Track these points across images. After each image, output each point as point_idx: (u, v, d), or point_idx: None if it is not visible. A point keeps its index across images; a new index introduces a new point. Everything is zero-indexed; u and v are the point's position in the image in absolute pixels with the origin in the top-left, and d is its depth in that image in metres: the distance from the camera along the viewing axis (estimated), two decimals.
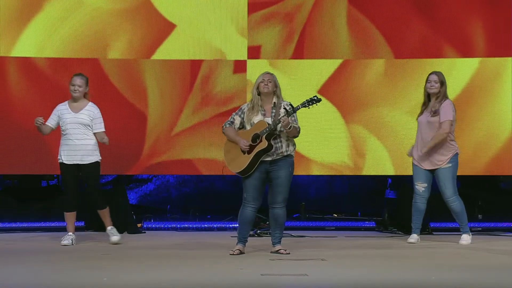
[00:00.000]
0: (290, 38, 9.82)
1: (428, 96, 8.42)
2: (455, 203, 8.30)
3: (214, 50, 9.78)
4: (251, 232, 8.46)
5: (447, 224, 9.46)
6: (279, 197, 7.40)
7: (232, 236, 8.64)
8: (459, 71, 9.75)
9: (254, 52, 9.80)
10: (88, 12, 9.71)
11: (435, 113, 8.30)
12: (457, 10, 9.80)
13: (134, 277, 6.14)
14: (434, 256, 7.52)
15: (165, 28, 9.76)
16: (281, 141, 7.36)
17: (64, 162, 8.16)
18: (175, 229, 9.83)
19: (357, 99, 9.79)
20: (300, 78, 9.76)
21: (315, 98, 7.34)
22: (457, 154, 8.35)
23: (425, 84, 8.42)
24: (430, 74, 8.44)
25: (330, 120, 9.76)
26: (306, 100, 7.35)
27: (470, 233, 8.41)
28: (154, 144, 9.74)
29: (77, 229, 8.40)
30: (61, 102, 8.30)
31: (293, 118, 7.34)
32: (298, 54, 9.81)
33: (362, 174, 9.87)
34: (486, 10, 9.78)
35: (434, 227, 9.56)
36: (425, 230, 9.26)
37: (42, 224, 9.59)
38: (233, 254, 7.33)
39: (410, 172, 8.53)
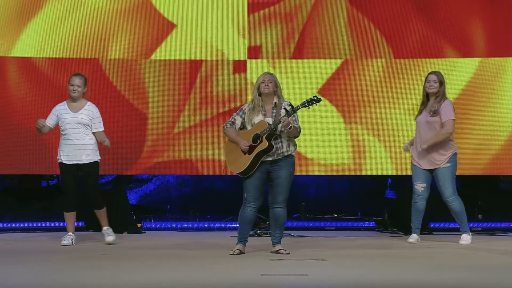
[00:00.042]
0: (290, 38, 9.82)
1: (427, 96, 8.42)
2: (455, 203, 8.30)
3: (214, 50, 9.78)
4: (251, 232, 8.46)
5: (447, 224, 9.46)
6: (280, 197, 7.40)
7: (232, 236, 8.64)
8: (459, 71, 9.75)
9: (254, 52, 9.80)
10: (88, 12, 9.70)
11: (435, 113, 8.30)
12: (457, 10, 9.80)
13: (134, 277, 6.14)
14: (434, 256, 7.52)
15: (165, 28, 9.76)
16: (281, 141, 7.36)
17: (64, 162, 8.16)
18: (175, 229, 9.83)
19: (357, 99, 9.79)
20: (300, 78, 9.76)
21: (315, 98, 7.34)
22: (456, 153, 8.36)
23: (424, 84, 8.43)
24: (429, 74, 8.44)
25: (330, 120, 9.76)
26: (306, 100, 7.35)
27: (470, 233, 8.41)
28: (154, 144, 9.74)
29: (77, 229, 8.41)
30: (60, 102, 8.30)
31: (293, 118, 7.35)
32: (298, 54, 9.81)
33: (362, 174, 9.87)
34: (486, 10, 9.78)
35: (434, 227, 9.56)
36: (425, 230, 9.26)
37: (42, 224, 9.59)
38: (233, 254, 7.33)
39: (410, 172, 8.53)
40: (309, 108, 7.36)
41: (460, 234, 8.38)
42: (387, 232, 9.65)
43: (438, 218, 9.49)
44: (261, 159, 7.33)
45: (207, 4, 9.80)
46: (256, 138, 7.33)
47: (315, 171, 9.84)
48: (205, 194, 11.05)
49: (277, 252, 7.44)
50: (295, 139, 7.47)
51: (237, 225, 7.65)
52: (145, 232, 9.59)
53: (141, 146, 9.73)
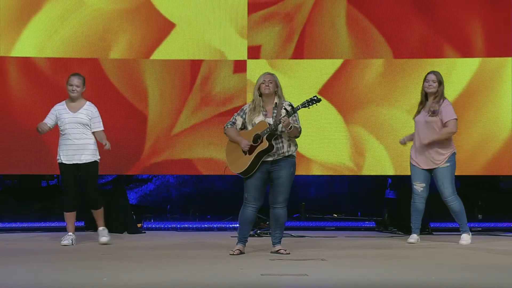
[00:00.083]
0: (290, 38, 9.82)
1: (425, 96, 8.43)
2: (454, 202, 8.31)
3: (214, 50, 9.78)
4: (251, 232, 8.46)
5: (447, 224, 9.45)
6: (280, 197, 7.40)
7: (232, 236, 8.64)
8: (459, 71, 9.75)
9: (254, 52, 9.80)
10: (88, 12, 9.70)
11: (434, 113, 8.30)
12: (457, 10, 9.80)
13: (134, 277, 6.14)
14: (434, 256, 7.52)
15: (165, 27, 9.76)
16: (282, 142, 7.37)
17: (64, 162, 8.16)
18: (175, 229, 9.83)
19: (357, 99, 9.79)
20: (300, 78, 9.76)
21: (315, 98, 7.34)
22: (454, 153, 8.37)
23: (423, 84, 8.43)
24: (428, 73, 8.45)
25: (330, 120, 9.76)
26: (306, 100, 7.35)
27: (470, 233, 8.41)
28: (154, 144, 9.74)
29: (77, 229, 8.41)
30: (59, 102, 8.30)
31: (294, 118, 7.35)
32: (298, 54, 9.81)
33: (362, 174, 9.87)
34: (486, 10, 9.78)
35: (434, 227, 9.56)
36: (425, 230, 9.26)
37: (42, 224, 9.59)
38: (233, 254, 7.34)
39: (410, 172, 8.53)
40: (309, 108, 7.37)
41: (460, 234, 8.38)
42: (387, 232, 9.65)
43: (438, 218, 9.49)
44: (262, 159, 7.33)
45: (207, 4, 9.80)
46: (257, 138, 7.33)
47: (315, 171, 9.84)
48: (205, 194, 11.05)
49: (277, 252, 7.44)
50: (296, 139, 7.47)
51: (237, 225, 7.65)
52: (145, 232, 9.59)
53: (141, 146, 9.73)
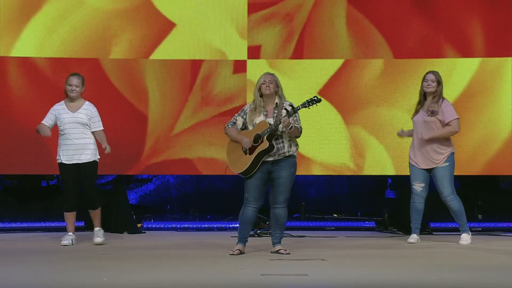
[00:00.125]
0: (290, 38, 9.82)
1: (424, 95, 8.43)
2: (453, 202, 8.31)
3: (214, 50, 9.78)
4: (251, 232, 8.46)
5: (447, 224, 9.45)
6: (281, 197, 7.40)
7: (232, 236, 8.64)
8: (459, 71, 9.75)
9: (254, 52, 9.80)
10: (88, 12, 9.70)
11: (433, 113, 8.31)
12: (457, 10, 9.80)
13: (134, 277, 6.14)
14: (434, 256, 7.52)
15: (164, 27, 9.75)
16: (283, 142, 7.37)
17: (64, 162, 8.16)
18: (175, 229, 9.83)
19: (357, 99, 9.80)
20: (300, 78, 9.76)
21: (315, 98, 7.35)
22: (453, 153, 8.38)
23: (422, 83, 8.44)
24: (427, 73, 8.46)
25: (330, 120, 9.76)
26: (307, 100, 7.36)
27: (470, 232, 8.41)
28: (154, 144, 9.74)
29: (77, 229, 8.40)
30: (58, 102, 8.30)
31: (295, 118, 7.35)
32: (298, 54, 9.81)
33: (362, 174, 9.88)
34: (486, 10, 9.78)
35: (434, 227, 9.56)
36: (425, 230, 9.26)
37: (42, 224, 9.58)
38: (233, 254, 7.34)
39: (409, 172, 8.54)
40: (309, 108, 7.37)
41: (460, 234, 8.39)
42: (387, 232, 9.65)
43: (438, 218, 9.49)
44: (262, 159, 7.33)
45: (207, 4, 9.80)
46: (257, 138, 7.34)
47: (316, 171, 9.84)
48: (205, 194, 11.04)
49: (277, 252, 7.44)
50: (296, 139, 7.47)
51: (237, 225, 7.65)
52: (145, 232, 9.59)
53: (141, 146, 9.73)
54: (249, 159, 7.33)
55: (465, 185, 10.26)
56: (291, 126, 7.24)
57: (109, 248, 8.04)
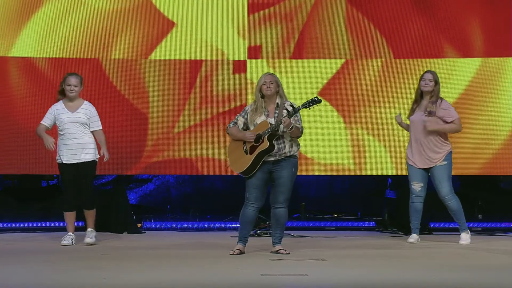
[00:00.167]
0: (290, 38, 9.82)
1: (420, 95, 8.44)
2: (452, 201, 8.31)
3: (214, 50, 9.78)
4: (251, 232, 8.45)
5: (447, 224, 9.45)
6: (281, 197, 7.40)
7: (232, 236, 8.64)
8: (459, 71, 9.75)
9: (254, 52, 9.80)
10: (88, 11, 9.70)
11: (430, 113, 8.32)
12: (457, 10, 9.80)
13: (134, 277, 6.14)
14: (434, 256, 7.52)
15: (164, 26, 9.75)
16: (284, 142, 7.37)
17: (64, 162, 8.16)
18: (175, 229, 9.83)
19: (357, 99, 9.80)
20: (300, 78, 9.77)
21: (316, 99, 7.35)
22: (451, 152, 8.38)
23: (419, 82, 8.44)
24: (424, 72, 8.47)
25: (330, 120, 9.76)
26: (307, 101, 7.36)
27: (469, 231, 8.41)
28: (154, 144, 9.74)
29: (77, 229, 8.40)
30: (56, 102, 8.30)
31: (296, 118, 7.36)
32: (298, 54, 9.81)
33: (363, 174, 9.88)
34: (486, 10, 9.78)
35: (434, 227, 9.56)
36: (425, 230, 9.26)
37: (42, 224, 9.58)
38: (233, 254, 7.34)
39: None
40: (309, 109, 7.38)
41: (459, 234, 8.39)
42: (387, 232, 9.65)
43: (438, 218, 9.49)
44: (263, 159, 7.33)
45: (207, 4, 9.80)
46: (258, 138, 7.34)
47: (316, 171, 9.84)
48: (205, 194, 11.04)
49: (277, 252, 7.45)
50: (297, 139, 7.48)
51: (237, 225, 7.65)
52: (145, 232, 9.59)
53: (141, 146, 9.73)
54: (250, 159, 7.34)
55: (465, 185, 10.27)
56: (292, 126, 7.24)
57: (109, 248, 8.05)
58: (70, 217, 8.22)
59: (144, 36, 9.75)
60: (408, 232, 8.65)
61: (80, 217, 8.56)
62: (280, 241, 7.53)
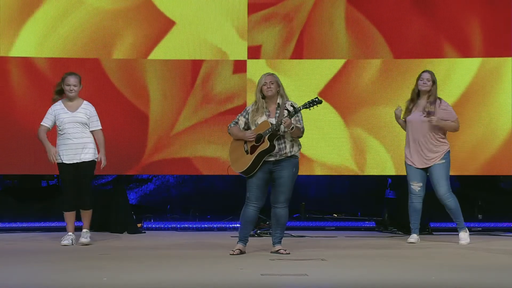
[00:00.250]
0: (290, 38, 9.82)
1: (417, 94, 8.44)
2: (450, 200, 8.31)
3: (214, 50, 9.79)
4: (251, 232, 8.45)
5: (447, 224, 9.45)
6: (281, 197, 7.40)
7: (232, 236, 8.64)
8: (459, 71, 9.75)
9: (254, 52, 9.80)
10: (88, 11, 9.70)
11: (429, 114, 8.32)
12: (457, 10, 9.80)
13: (134, 277, 6.14)
14: (434, 256, 7.52)
15: (165, 25, 9.75)
16: (285, 142, 7.37)
17: (64, 162, 8.15)
18: (175, 229, 9.82)
19: (357, 99, 9.80)
20: (300, 78, 9.77)
21: (316, 99, 7.35)
22: (449, 151, 8.40)
23: (417, 82, 8.44)
24: (422, 72, 8.48)
25: (330, 120, 9.76)
26: (308, 101, 7.36)
27: (467, 230, 8.40)
28: (154, 144, 9.74)
29: (77, 229, 8.40)
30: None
31: (297, 118, 7.36)
32: (298, 54, 9.81)
33: (363, 174, 9.88)
34: (486, 10, 9.78)
35: (434, 227, 9.56)
36: (425, 230, 9.26)
37: (42, 224, 9.58)
38: (233, 254, 7.34)
39: None
40: (310, 109, 7.38)
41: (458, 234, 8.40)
42: (387, 232, 9.65)
43: (438, 218, 9.49)
44: (264, 159, 7.34)
45: (207, 4, 9.80)
46: (259, 138, 7.35)
47: (316, 171, 9.85)
48: (205, 194, 11.04)
49: (277, 252, 7.45)
50: (298, 139, 7.49)
51: (237, 225, 7.65)
52: (145, 232, 9.59)
53: (142, 146, 9.73)
54: (250, 159, 7.34)
55: (465, 185, 10.27)
56: (293, 127, 7.24)
57: (109, 248, 8.05)
58: (70, 217, 8.22)
59: (144, 36, 9.75)
60: (408, 232, 8.65)
61: (80, 217, 8.56)
62: (280, 241, 7.53)
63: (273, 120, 7.37)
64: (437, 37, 9.76)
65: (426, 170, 8.40)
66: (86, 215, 8.25)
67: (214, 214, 10.27)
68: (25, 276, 6.14)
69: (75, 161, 8.14)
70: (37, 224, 9.59)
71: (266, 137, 7.30)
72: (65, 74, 8.25)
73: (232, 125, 7.55)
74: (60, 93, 8.23)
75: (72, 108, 8.19)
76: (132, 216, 9.65)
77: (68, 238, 8.15)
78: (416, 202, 8.43)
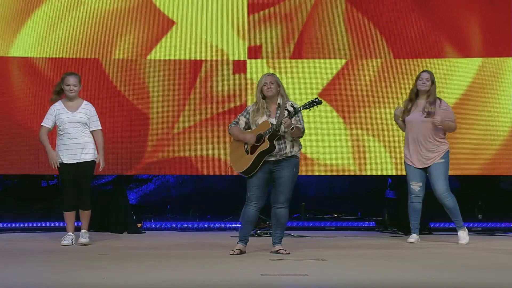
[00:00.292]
0: (290, 38, 9.82)
1: (416, 94, 8.44)
2: (448, 199, 8.32)
3: (214, 50, 9.79)
4: (251, 232, 8.45)
5: (447, 224, 9.44)
6: (282, 197, 7.40)
7: (232, 236, 8.64)
8: (459, 71, 9.75)
9: (254, 52, 9.80)
10: (88, 11, 9.70)
11: (429, 114, 8.32)
12: (457, 10, 9.80)
13: (134, 277, 6.14)
14: (434, 256, 7.52)
15: (165, 25, 9.75)
16: (285, 142, 7.37)
17: (64, 162, 8.15)
18: (175, 229, 9.82)
19: (357, 99, 9.80)
20: (300, 78, 9.77)
21: (316, 100, 7.35)
22: (448, 151, 8.40)
23: (416, 82, 8.44)
24: (421, 72, 8.49)
25: (330, 120, 9.76)
26: (308, 102, 7.37)
27: (466, 229, 8.40)
28: (154, 144, 9.74)
29: (77, 229, 8.39)
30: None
31: (297, 118, 7.36)
32: (298, 54, 9.81)
33: (364, 174, 9.88)
34: (486, 10, 9.78)
35: (434, 227, 9.56)
36: (425, 230, 9.26)
37: (42, 224, 9.58)
38: (233, 254, 7.34)
39: None
40: (310, 110, 7.39)
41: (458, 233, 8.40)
42: (387, 232, 9.65)
43: (438, 218, 9.49)
44: (264, 159, 7.34)
45: (207, 4, 9.80)
46: (259, 138, 7.35)
47: (317, 171, 9.84)
48: (205, 194, 11.04)
49: (277, 252, 7.45)
50: (299, 139, 7.49)
51: (237, 225, 7.66)
52: (145, 232, 9.59)
53: (142, 146, 9.73)
54: (250, 159, 7.34)
55: (465, 185, 10.26)
56: (293, 127, 7.24)
57: (109, 248, 8.05)
58: (70, 217, 8.22)
59: (144, 36, 9.74)
60: (408, 232, 8.65)
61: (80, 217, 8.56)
62: (280, 241, 7.53)
63: (273, 120, 7.37)
64: (437, 37, 9.76)
65: (425, 170, 8.40)
66: (85, 216, 8.25)
67: (214, 214, 10.27)
68: (25, 276, 6.14)
69: (75, 161, 8.14)
70: (37, 224, 9.59)
71: (266, 137, 7.31)
72: (65, 74, 8.25)
73: (232, 125, 7.55)
74: (59, 94, 8.23)
75: (73, 108, 8.19)
76: (132, 216, 9.65)
77: (68, 238, 8.15)
78: (416, 202, 8.43)
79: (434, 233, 9.46)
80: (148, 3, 9.75)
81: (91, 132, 8.21)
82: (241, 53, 9.79)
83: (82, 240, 8.18)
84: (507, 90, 9.72)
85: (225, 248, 7.65)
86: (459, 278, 6.16)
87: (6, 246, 8.12)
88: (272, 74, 7.53)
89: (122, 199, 9.66)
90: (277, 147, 7.34)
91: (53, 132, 8.31)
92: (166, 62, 9.75)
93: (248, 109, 7.57)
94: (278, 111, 7.40)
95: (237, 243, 7.47)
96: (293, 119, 7.26)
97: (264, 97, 7.45)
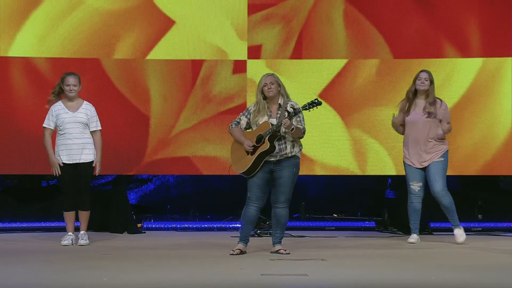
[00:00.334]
0: (290, 38, 9.82)
1: (414, 93, 8.44)
2: (445, 197, 8.32)
3: (214, 50, 9.78)
4: (251, 232, 8.45)
5: (447, 224, 9.42)
6: (282, 197, 7.41)
7: (232, 236, 8.65)
8: (459, 71, 9.75)
9: (254, 52, 9.80)
10: (88, 11, 9.70)
11: (430, 114, 8.33)
12: (457, 10, 9.80)
13: (134, 277, 6.14)
14: (434, 256, 7.52)
15: (165, 24, 9.75)
16: (285, 143, 7.38)
17: (64, 162, 8.15)
18: (175, 229, 9.82)
19: (357, 99, 9.80)
20: (300, 78, 9.77)
21: (316, 101, 7.36)
22: (447, 151, 8.41)
23: (414, 81, 8.44)
24: (420, 71, 8.49)
25: (330, 120, 9.76)
26: (307, 103, 7.37)
27: (461, 227, 8.41)
28: (154, 144, 9.74)
29: (77, 229, 8.40)
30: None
31: (298, 119, 7.36)
32: (298, 54, 9.81)
33: (364, 174, 9.88)
34: (486, 10, 9.78)
35: (434, 227, 9.56)
36: (425, 230, 9.26)
37: (42, 224, 9.58)
38: (233, 254, 7.34)
39: None
40: (309, 111, 7.39)
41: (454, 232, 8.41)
42: (387, 232, 9.65)
43: (438, 218, 9.48)
44: (264, 160, 7.34)
45: (207, 4, 9.80)
46: (260, 139, 7.35)
47: (317, 171, 9.84)
48: (205, 194, 11.04)
49: (277, 252, 7.45)
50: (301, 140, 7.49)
51: (237, 225, 7.66)
52: (145, 232, 9.59)
53: (142, 146, 9.72)
54: (250, 159, 7.35)
55: (465, 185, 10.26)
56: (293, 128, 7.24)
57: (109, 248, 8.05)
58: (70, 217, 8.22)
59: (144, 35, 9.74)
60: (408, 232, 8.65)
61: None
62: (280, 241, 7.53)
63: (274, 121, 7.37)
64: (437, 37, 9.76)
65: (425, 170, 8.40)
66: (84, 217, 8.24)
67: (214, 214, 10.27)
68: (25, 276, 6.14)
69: (74, 161, 8.14)
70: (37, 224, 9.59)
71: (267, 138, 7.31)
72: (64, 74, 8.25)
73: (233, 126, 7.55)
74: (58, 94, 8.23)
75: (73, 108, 8.19)
76: (132, 216, 9.65)
77: (68, 238, 8.15)
78: (415, 202, 8.43)
79: (434, 233, 9.46)
80: (148, 3, 9.75)
81: (91, 132, 8.21)
82: (241, 53, 9.79)
83: (82, 241, 8.18)
84: (507, 90, 9.71)
85: (225, 248, 7.65)
86: (459, 278, 6.16)
87: (6, 246, 8.12)
88: (272, 74, 7.54)
89: (122, 199, 9.66)
90: (277, 147, 7.35)
91: (53, 132, 8.30)
92: (166, 62, 9.75)
93: (249, 109, 7.57)
94: (279, 111, 7.40)
95: (238, 243, 7.47)
96: (293, 120, 7.26)
97: (265, 98, 7.45)
